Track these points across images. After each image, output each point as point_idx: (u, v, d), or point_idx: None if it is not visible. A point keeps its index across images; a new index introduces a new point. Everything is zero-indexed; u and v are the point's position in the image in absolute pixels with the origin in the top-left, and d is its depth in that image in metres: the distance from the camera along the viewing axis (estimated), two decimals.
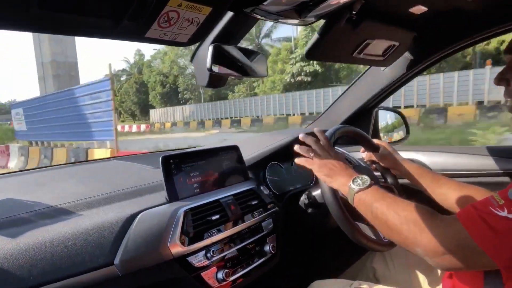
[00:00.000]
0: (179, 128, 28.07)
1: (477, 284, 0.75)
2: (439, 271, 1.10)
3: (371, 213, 0.82)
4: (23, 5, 0.47)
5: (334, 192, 0.94)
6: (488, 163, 1.30)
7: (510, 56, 0.80)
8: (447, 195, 1.00)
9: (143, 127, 28.44)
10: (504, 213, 0.60)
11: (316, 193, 1.20)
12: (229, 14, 0.93)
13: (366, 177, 0.86)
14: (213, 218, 0.99)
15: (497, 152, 1.31)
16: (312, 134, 1.03)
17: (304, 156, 0.98)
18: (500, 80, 0.82)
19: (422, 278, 1.13)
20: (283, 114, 23.98)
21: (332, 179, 0.92)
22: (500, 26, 1.18)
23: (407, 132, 1.65)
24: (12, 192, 1.08)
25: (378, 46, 1.21)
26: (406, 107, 17.41)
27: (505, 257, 0.60)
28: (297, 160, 0.99)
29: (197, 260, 0.94)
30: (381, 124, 1.69)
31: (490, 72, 15.20)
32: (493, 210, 0.61)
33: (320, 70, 25.75)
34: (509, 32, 1.20)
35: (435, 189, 1.03)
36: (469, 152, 1.37)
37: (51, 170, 1.38)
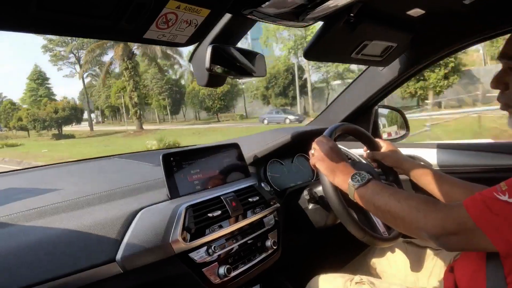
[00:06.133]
0: None
1: (479, 278, 0.75)
2: (440, 266, 1.10)
3: (373, 206, 0.83)
4: (21, 6, 0.47)
5: (335, 185, 0.95)
6: (490, 159, 1.29)
7: (505, 61, 0.81)
8: (450, 193, 1.00)
9: None
10: (505, 197, 0.61)
11: (317, 189, 1.22)
12: (228, 15, 0.94)
13: (364, 173, 0.88)
14: (214, 214, 0.99)
15: (499, 148, 1.31)
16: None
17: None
18: (498, 83, 0.83)
19: (422, 273, 1.13)
20: None
21: (332, 175, 0.94)
22: (495, 29, 1.19)
23: (407, 129, 1.66)
24: (13, 190, 1.09)
25: (376, 47, 1.22)
26: None
27: (503, 239, 0.61)
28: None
29: (199, 256, 0.95)
30: (381, 122, 1.70)
31: None
32: (496, 194, 0.63)
33: None
34: (504, 35, 1.20)
35: (438, 187, 1.03)
36: (471, 149, 1.36)
37: (53, 169, 1.39)
